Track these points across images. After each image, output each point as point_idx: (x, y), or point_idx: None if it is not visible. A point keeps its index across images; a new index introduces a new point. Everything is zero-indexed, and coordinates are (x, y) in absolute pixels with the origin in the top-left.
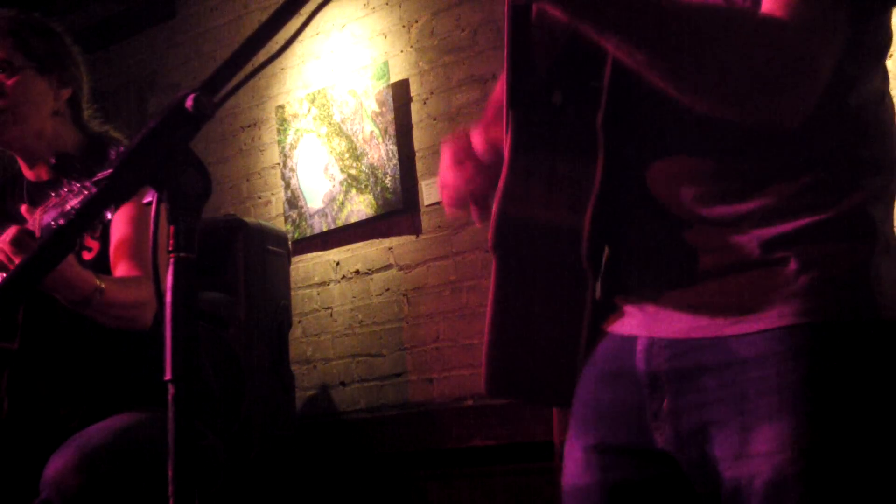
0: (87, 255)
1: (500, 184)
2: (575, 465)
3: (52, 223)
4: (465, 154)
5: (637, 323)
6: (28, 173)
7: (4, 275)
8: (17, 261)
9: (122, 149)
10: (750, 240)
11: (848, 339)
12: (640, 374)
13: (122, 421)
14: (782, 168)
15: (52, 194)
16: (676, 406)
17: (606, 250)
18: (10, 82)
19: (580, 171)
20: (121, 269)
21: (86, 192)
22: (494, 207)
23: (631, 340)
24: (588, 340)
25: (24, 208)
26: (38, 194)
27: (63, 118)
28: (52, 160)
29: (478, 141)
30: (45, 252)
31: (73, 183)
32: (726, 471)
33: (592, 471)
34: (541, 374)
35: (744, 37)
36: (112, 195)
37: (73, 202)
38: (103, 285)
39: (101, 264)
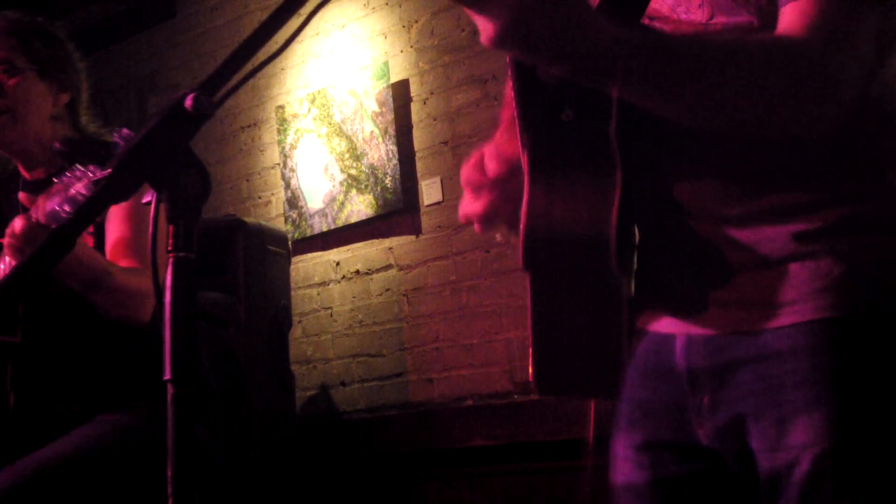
0: None
1: (524, 204)
2: (626, 463)
3: (58, 208)
4: (481, 182)
5: (674, 321)
6: (25, 173)
7: (15, 262)
8: (28, 250)
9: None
10: (781, 234)
11: (882, 331)
12: (681, 372)
13: (57, 450)
14: (808, 161)
15: (55, 180)
16: (715, 401)
17: (636, 252)
18: (10, 82)
19: (599, 181)
20: (119, 262)
21: (90, 176)
22: (521, 228)
23: (669, 338)
24: (628, 337)
25: (22, 196)
26: (34, 191)
27: (61, 122)
28: (57, 144)
29: (491, 163)
30: (45, 250)
31: (76, 168)
32: (764, 462)
33: (643, 469)
34: (586, 373)
35: (763, 63)
36: (111, 194)
37: (78, 186)
38: (112, 269)
39: None
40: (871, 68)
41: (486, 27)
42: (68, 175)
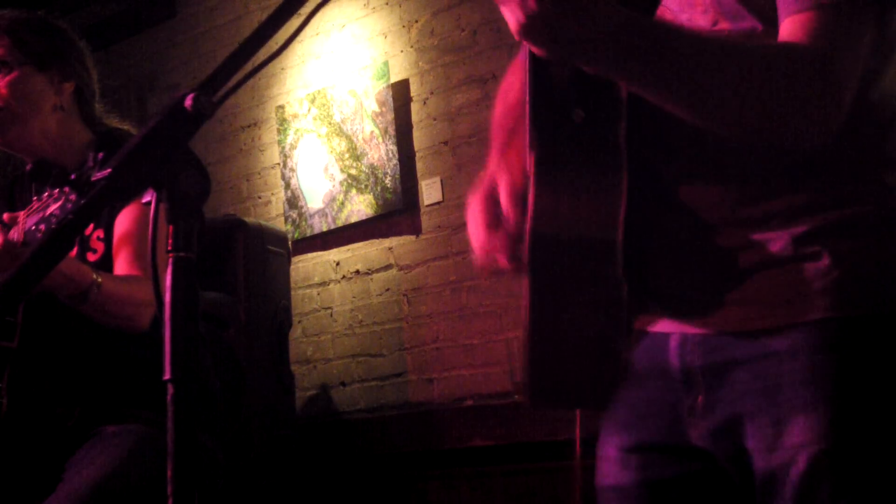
0: (91, 257)
1: (530, 203)
2: (612, 465)
3: (34, 228)
4: (497, 217)
5: (669, 321)
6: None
7: None
8: (5, 267)
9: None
10: (781, 237)
11: (880, 332)
12: (674, 371)
13: (97, 471)
14: (808, 165)
15: (35, 198)
16: (710, 401)
17: (635, 254)
18: (5, 80)
19: (606, 183)
20: (121, 269)
21: (64, 199)
22: (527, 228)
23: (664, 338)
24: (627, 348)
25: (6, 217)
26: (33, 184)
27: (68, 114)
28: (28, 167)
29: (507, 203)
30: (45, 252)
31: (54, 189)
32: (759, 462)
33: (631, 470)
34: (583, 382)
35: (763, 68)
36: (111, 195)
37: (53, 208)
38: (100, 280)
39: (106, 266)
40: (871, 73)
41: (512, 17)
42: (46, 194)
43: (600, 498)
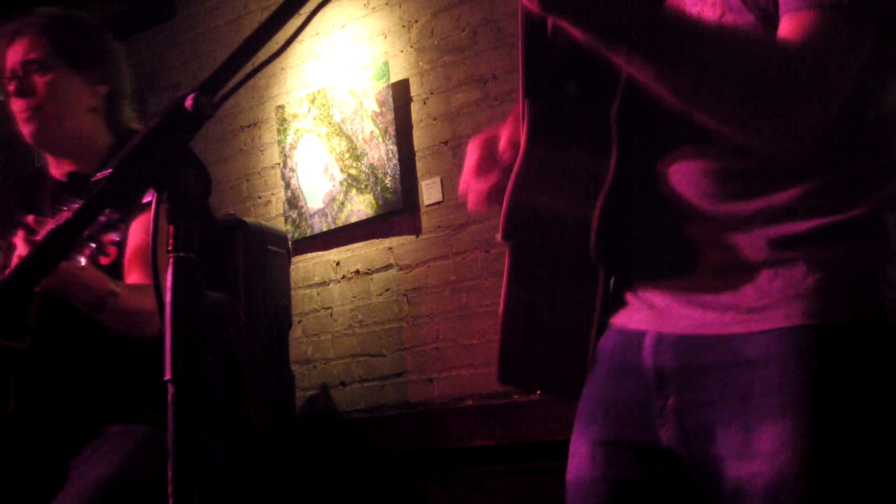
0: (104, 260)
1: (514, 172)
2: (580, 459)
3: None
4: (492, 162)
5: (645, 318)
6: (55, 171)
7: None
8: None
9: None
10: (758, 239)
11: (853, 341)
12: (647, 370)
13: (102, 470)
14: (794, 170)
15: (65, 209)
16: (681, 403)
17: (619, 244)
18: (42, 81)
19: (594, 162)
20: (133, 277)
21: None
22: (506, 196)
23: (639, 335)
24: (597, 333)
25: (30, 218)
26: (62, 194)
27: (99, 116)
28: (65, 179)
29: (505, 148)
30: (43, 253)
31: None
32: (728, 470)
33: (598, 465)
34: (552, 364)
35: (756, 60)
36: (111, 195)
37: None
38: (118, 289)
39: (117, 270)
40: (871, 89)
41: None
42: (77, 206)
43: (567, 492)
